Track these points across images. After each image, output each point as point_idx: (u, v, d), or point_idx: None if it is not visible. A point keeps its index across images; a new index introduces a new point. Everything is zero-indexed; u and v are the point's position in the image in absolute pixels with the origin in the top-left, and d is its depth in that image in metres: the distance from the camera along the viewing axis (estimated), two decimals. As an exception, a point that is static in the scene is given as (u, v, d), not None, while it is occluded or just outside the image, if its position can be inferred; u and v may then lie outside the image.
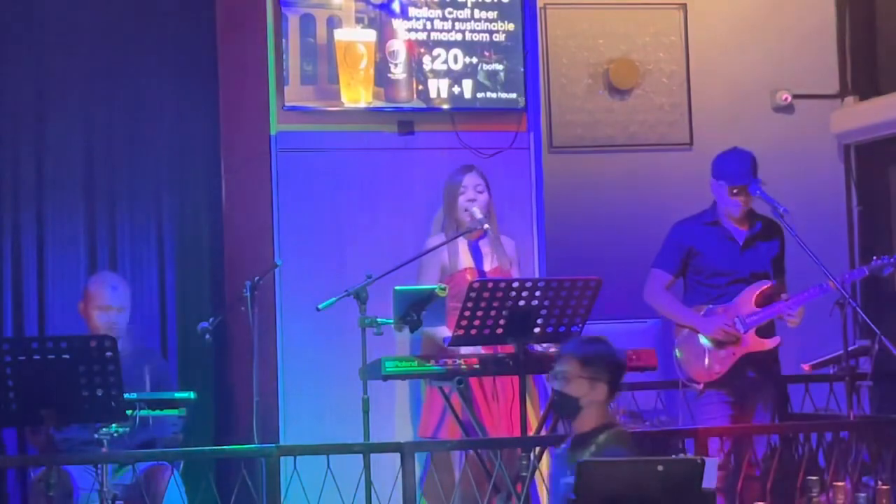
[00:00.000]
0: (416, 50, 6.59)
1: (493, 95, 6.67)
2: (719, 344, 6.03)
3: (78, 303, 6.22)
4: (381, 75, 6.54)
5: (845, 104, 8.19)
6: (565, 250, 7.24)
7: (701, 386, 6.05)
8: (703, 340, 6.06)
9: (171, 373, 6.56)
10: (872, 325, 5.83)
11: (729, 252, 6.15)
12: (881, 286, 7.85)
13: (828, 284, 5.92)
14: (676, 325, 6.19)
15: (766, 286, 6.08)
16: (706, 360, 6.03)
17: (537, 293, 5.36)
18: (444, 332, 5.91)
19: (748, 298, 6.07)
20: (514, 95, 6.69)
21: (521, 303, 5.36)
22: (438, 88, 6.60)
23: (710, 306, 6.12)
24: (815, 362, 6.59)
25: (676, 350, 6.14)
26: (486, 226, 6.13)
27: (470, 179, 6.28)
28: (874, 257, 6.09)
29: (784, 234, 6.16)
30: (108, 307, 6.08)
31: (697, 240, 6.19)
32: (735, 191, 6.10)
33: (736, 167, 6.14)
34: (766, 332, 6.10)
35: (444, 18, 6.61)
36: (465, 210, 6.23)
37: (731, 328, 6.01)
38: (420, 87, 6.59)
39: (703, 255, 6.16)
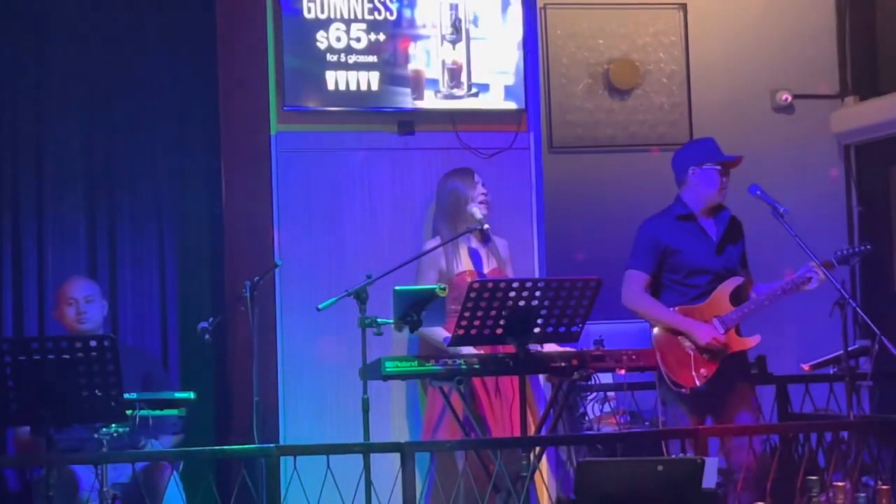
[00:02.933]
0: (417, 49, 6.59)
1: (493, 96, 6.68)
2: (703, 348, 5.94)
3: (53, 313, 6.29)
4: (382, 75, 6.54)
5: (845, 104, 8.19)
6: (565, 250, 7.24)
7: (688, 391, 5.91)
8: (686, 345, 5.94)
9: (173, 380, 6.60)
10: (872, 325, 5.82)
11: (705, 249, 6.04)
12: (881, 286, 7.87)
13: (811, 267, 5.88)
14: (655, 330, 6.00)
15: (738, 283, 6.00)
16: (692, 365, 5.90)
17: (537, 293, 5.36)
18: (442, 333, 5.92)
19: (722, 297, 5.98)
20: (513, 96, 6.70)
21: (521, 303, 5.36)
22: (438, 89, 6.60)
23: (687, 307, 6.00)
24: (815, 362, 6.58)
25: (657, 355, 5.92)
26: (486, 225, 6.14)
27: (479, 179, 6.31)
28: (839, 249, 6.03)
29: (741, 224, 6.13)
30: (73, 300, 6.18)
31: (672, 237, 6.04)
32: (728, 167, 6.02)
33: (710, 145, 6.12)
34: (744, 330, 6.04)
35: (444, 18, 6.61)
36: (473, 209, 6.23)
37: (719, 342, 5.87)
38: (420, 88, 6.59)
39: (679, 252, 6.02)
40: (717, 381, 5.89)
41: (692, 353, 5.90)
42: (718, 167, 6.04)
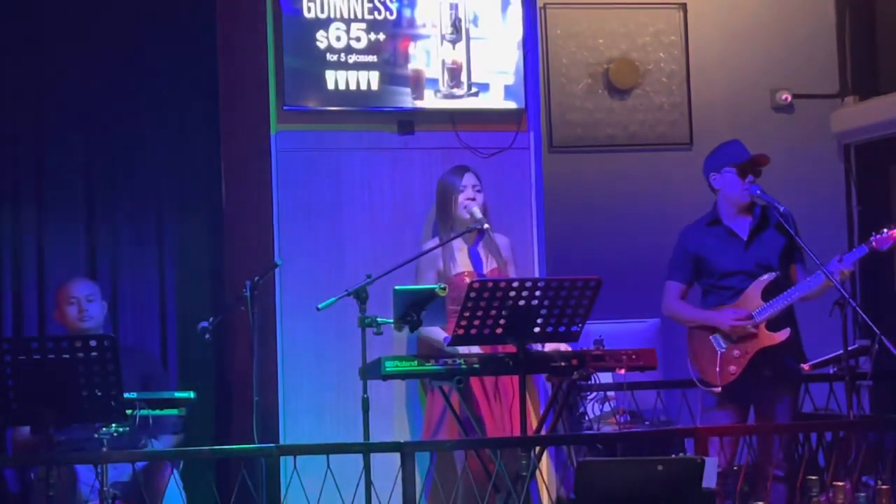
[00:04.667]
0: (417, 49, 6.59)
1: (493, 95, 6.67)
2: (732, 343, 5.98)
3: (53, 314, 6.29)
4: (382, 75, 6.54)
5: (845, 104, 8.19)
6: (565, 250, 7.24)
7: (719, 389, 5.97)
8: (715, 343, 6.00)
9: (172, 380, 6.60)
10: (872, 325, 5.82)
11: (733, 250, 6.09)
12: (881, 286, 7.86)
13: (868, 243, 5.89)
14: (688, 332, 6.11)
15: (770, 279, 6.03)
16: (719, 362, 5.96)
17: (537, 293, 5.36)
18: (441, 333, 5.91)
19: (754, 295, 6.02)
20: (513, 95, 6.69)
21: (521, 303, 5.36)
22: (438, 88, 6.60)
23: (722, 307, 6.06)
24: (815, 362, 6.57)
25: (690, 358, 6.07)
26: (486, 225, 6.13)
27: (468, 179, 6.31)
28: (873, 233, 6.03)
29: (789, 220, 6.13)
30: (75, 299, 6.21)
31: (700, 244, 6.13)
32: (746, 167, 6.06)
33: (734, 148, 6.14)
34: (775, 325, 6.05)
35: (444, 18, 6.61)
36: (465, 208, 6.24)
37: (741, 321, 5.94)
38: (420, 87, 6.58)
39: (708, 258, 6.10)
40: (749, 378, 5.95)
41: (720, 352, 5.97)
42: (734, 170, 6.06)
